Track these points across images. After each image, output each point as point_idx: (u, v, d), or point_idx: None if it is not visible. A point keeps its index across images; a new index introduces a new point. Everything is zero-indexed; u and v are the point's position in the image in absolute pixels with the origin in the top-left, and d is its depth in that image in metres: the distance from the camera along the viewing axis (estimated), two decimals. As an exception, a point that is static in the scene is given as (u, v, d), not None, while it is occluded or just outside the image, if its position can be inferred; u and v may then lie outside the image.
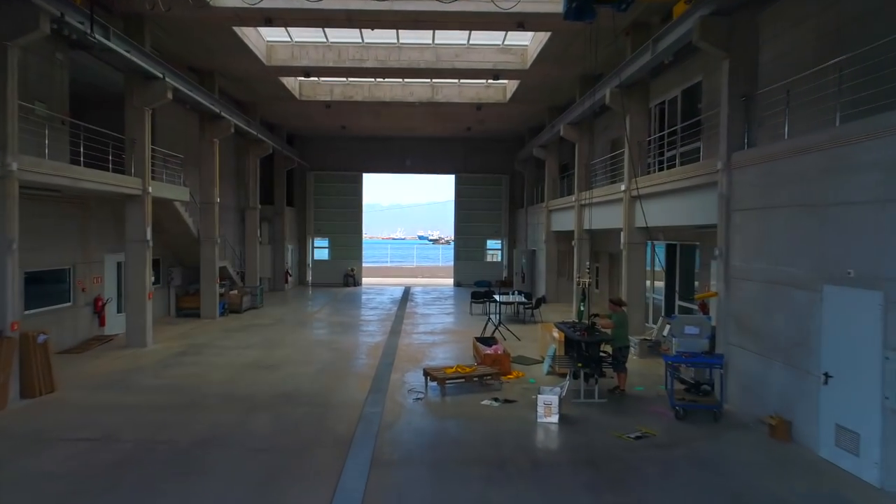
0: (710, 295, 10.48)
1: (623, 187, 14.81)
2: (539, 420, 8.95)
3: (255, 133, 21.96)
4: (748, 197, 9.42)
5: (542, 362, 12.81)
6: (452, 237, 34.27)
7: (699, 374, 10.15)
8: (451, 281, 34.28)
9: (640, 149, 14.59)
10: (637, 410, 9.69)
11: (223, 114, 18.21)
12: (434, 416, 9.31)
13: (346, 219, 32.53)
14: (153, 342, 14.67)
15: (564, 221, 22.12)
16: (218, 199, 19.05)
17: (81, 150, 12.61)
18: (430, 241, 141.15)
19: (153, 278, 18.65)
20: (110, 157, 13.44)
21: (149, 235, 14.28)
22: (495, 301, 19.33)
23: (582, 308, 11.23)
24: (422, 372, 11.33)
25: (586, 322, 10.68)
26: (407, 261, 63.51)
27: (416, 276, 40.93)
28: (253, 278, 23.95)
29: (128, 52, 12.32)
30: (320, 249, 33.14)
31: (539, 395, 9.05)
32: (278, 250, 28.62)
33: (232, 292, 20.84)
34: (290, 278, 29.28)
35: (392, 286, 32.43)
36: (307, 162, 31.70)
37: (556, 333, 12.34)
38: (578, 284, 11.62)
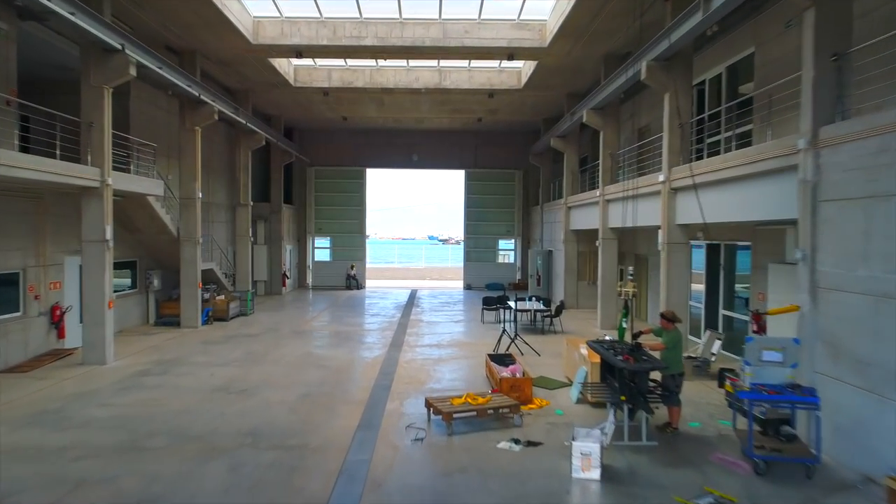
0: (788, 309, 8.29)
1: (662, 177, 12.64)
2: (575, 475, 6.83)
3: (244, 122, 19.94)
4: (845, 183, 7.24)
5: (570, 386, 10.69)
6: (462, 237, 32.14)
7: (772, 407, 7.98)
8: (460, 283, 32.19)
9: (683, 132, 12.42)
10: (698, 458, 7.53)
11: (203, 97, 16.21)
12: (437, 467, 7.21)
13: (348, 217, 30.52)
14: (115, 358, 12.68)
15: (586, 219, 19.96)
16: (200, 195, 17.06)
17: (16, 133, 10.64)
18: (440, 241, 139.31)
19: (128, 282, 16.76)
20: (58, 143, 11.47)
21: (109, 234, 12.30)
22: (510, 308, 17.23)
23: (623, 325, 9.08)
24: (423, 400, 9.28)
25: (629, 343, 8.53)
26: (415, 261, 61.54)
27: (424, 279, 38.89)
28: (244, 282, 21.97)
29: (72, 14, 10.31)
30: (321, 250, 31.13)
31: (574, 442, 6.93)
32: (275, 251, 26.65)
33: (218, 298, 18.86)
34: (287, 281, 27.29)
35: (398, 289, 30.38)
36: (307, 156, 29.72)
37: (584, 350, 10.24)
38: (620, 295, 9.44)
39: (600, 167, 17.57)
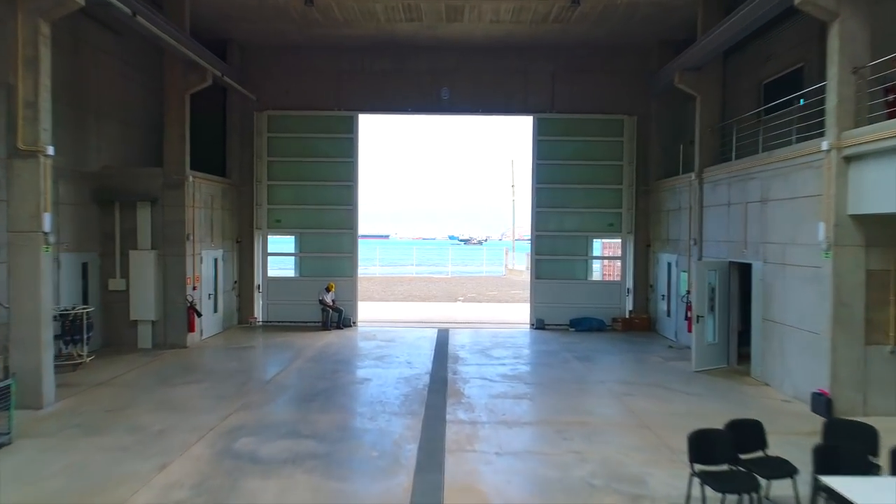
0: None
1: None
2: None
3: None
4: None
5: None
6: (529, 234, 18.56)
7: None
8: (522, 314, 18.85)
9: None
10: None
11: None
12: None
13: (327, 200, 17.31)
14: None
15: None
16: None
17: None
18: (461, 241, 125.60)
19: None
20: None
21: None
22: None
23: None
24: None
25: None
26: (439, 267, 48.15)
27: (455, 300, 25.56)
28: (26, 346, 8.82)
29: None
30: (280, 258, 18.10)
31: None
32: (174, 263, 13.63)
33: None
34: (199, 320, 14.17)
35: (413, 328, 17.08)
36: (255, 93, 16.66)
37: None
38: None
39: None
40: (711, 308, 12.02)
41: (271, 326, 16.77)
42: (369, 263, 43.90)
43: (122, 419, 8.46)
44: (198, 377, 11.00)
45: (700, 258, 13.43)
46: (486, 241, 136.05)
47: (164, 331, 13.63)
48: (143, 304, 13.41)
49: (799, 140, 10.10)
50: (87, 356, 11.60)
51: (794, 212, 9.86)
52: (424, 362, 12.54)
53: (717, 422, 6.25)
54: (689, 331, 13.54)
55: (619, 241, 17.64)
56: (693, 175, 13.75)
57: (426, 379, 11.10)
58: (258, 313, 17.12)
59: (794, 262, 9.86)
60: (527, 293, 26.38)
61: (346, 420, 8.69)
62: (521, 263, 41.73)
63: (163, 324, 13.63)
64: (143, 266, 13.42)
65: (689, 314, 13.61)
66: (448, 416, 8.81)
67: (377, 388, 10.42)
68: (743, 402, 9.60)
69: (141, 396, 9.61)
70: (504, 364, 12.43)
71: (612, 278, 18.93)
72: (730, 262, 12.17)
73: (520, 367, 12.33)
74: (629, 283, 17.21)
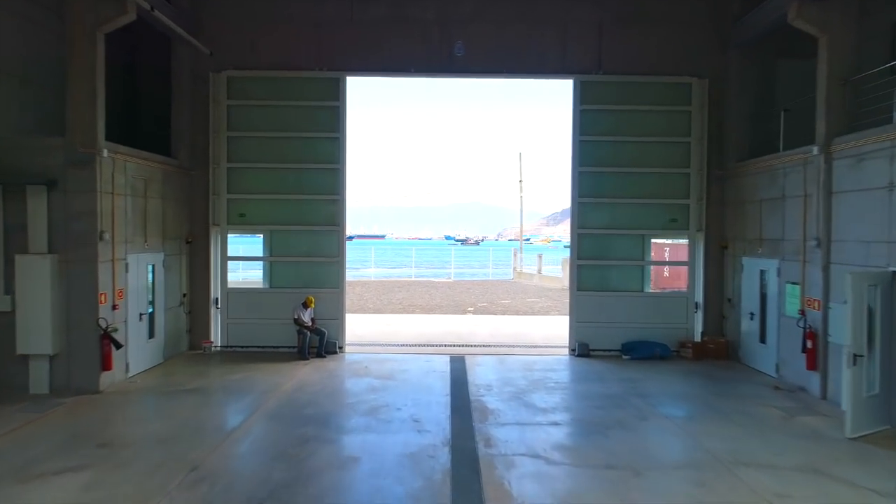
0: None
1: None
2: None
3: None
4: None
5: None
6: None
7: None
8: (552, 330, 14.91)
9: None
10: None
11: None
12: None
13: (306, 189, 13.27)
14: None
15: None
16: None
17: None
18: (458, 241, 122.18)
19: None
20: None
21: None
22: None
23: None
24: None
25: None
26: (440, 269, 44.13)
27: (464, 311, 21.54)
28: None
29: None
30: (243, 263, 14.10)
31: None
32: (83, 273, 9.61)
33: None
34: (117, 352, 10.10)
35: (418, 354, 13.08)
36: (209, 45, 12.61)
37: None
38: None
39: None
40: (869, 341, 8.06)
41: (232, 354, 12.75)
42: (364, 266, 40.03)
43: None
44: (84, 457, 6.97)
45: (826, 265, 9.50)
46: (482, 241, 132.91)
47: (68, 369, 9.62)
48: (36, 331, 9.40)
49: None
50: (-70, 416, 7.62)
51: None
52: (439, 419, 8.55)
53: None
54: (810, 367, 9.69)
55: (686, 240, 13.65)
56: (815, 149, 9.78)
57: (445, 456, 7.11)
58: (215, 336, 13.08)
59: None
60: (545, 302, 22.45)
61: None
62: (530, 266, 37.88)
63: (65, 359, 9.61)
64: (37, 277, 9.40)
65: (809, 344, 9.73)
66: (496, 562, 4.83)
67: (368, 481, 6.43)
68: None
69: (-40, 510, 5.61)
70: (556, 423, 8.45)
71: (675, 289, 14.97)
72: (893, 273, 8.22)
73: (579, 427, 8.38)
74: (698, 297, 13.24)
